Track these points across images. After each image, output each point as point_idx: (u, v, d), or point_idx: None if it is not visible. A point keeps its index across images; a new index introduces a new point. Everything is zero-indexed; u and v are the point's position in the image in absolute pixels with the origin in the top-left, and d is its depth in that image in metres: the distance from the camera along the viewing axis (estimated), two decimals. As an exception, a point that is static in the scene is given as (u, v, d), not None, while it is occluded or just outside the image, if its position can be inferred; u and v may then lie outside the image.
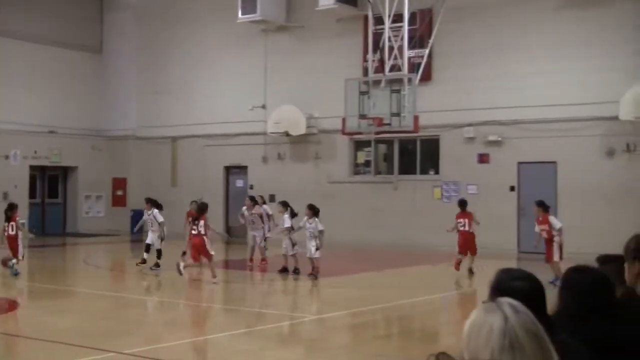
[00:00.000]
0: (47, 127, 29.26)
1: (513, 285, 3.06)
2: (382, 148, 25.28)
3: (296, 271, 16.67)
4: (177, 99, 28.98)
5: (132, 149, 30.48)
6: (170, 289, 15.84)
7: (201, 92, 28.37)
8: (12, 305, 12.96)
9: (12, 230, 16.24)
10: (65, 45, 30.06)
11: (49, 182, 30.43)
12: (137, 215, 29.74)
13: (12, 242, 16.17)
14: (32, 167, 29.00)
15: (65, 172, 30.66)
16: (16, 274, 16.02)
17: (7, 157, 27.93)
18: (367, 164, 25.23)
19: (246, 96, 26.80)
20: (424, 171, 23.97)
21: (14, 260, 16.10)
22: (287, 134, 25.46)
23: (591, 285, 3.55)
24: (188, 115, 28.56)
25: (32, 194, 29.23)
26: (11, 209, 16.66)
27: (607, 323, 3.47)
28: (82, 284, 16.69)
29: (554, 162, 21.33)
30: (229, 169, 28.18)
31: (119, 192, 31.00)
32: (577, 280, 3.61)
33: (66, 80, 30.13)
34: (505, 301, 2.11)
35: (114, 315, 12.23)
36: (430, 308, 13.95)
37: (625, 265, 3.70)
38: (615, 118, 19.83)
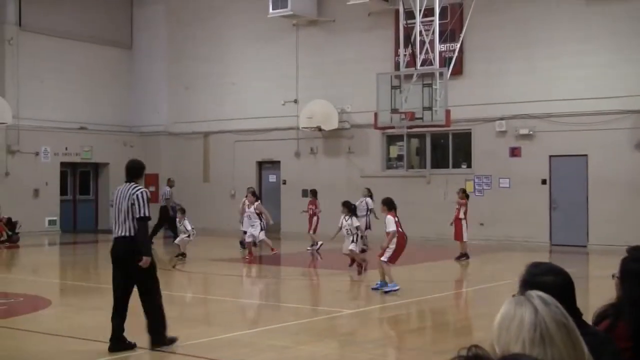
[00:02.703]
0: (77, 123, 30.49)
1: (544, 279, 3.21)
2: (415, 142, 26.45)
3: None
4: (208, 94, 30.23)
5: (164, 144, 31.75)
6: (203, 285, 16.59)
7: (232, 87, 29.58)
8: (44, 303, 13.12)
9: None
10: (95, 40, 31.28)
11: (81, 178, 31.59)
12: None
13: None
14: (63, 164, 30.12)
15: (96, 169, 31.83)
16: None
17: (37, 153, 29.07)
18: (399, 158, 26.37)
19: (278, 91, 28.09)
20: (457, 165, 25.18)
21: None
22: (319, 129, 26.71)
23: None
24: (219, 111, 29.83)
25: (63, 190, 30.36)
26: None
27: None
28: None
29: (585, 155, 22.56)
30: (261, 164, 29.44)
31: (151, 188, 32.08)
32: (636, 269, 3.80)
33: (96, 76, 31.34)
34: (535, 294, 2.20)
35: (141, 313, 12.82)
36: (463, 301, 14.83)
37: None
38: (644, 111, 20.98)
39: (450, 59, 22.57)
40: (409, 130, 23.37)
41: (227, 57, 29.87)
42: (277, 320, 11.89)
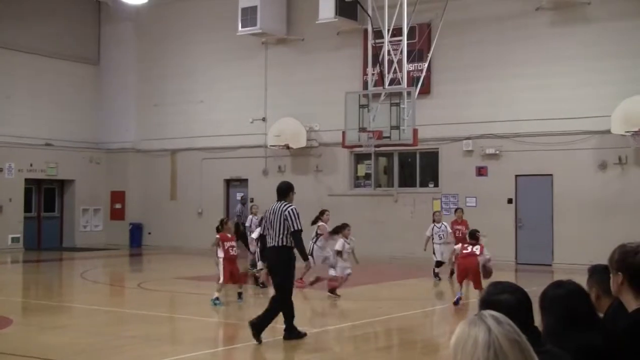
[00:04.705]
0: (43, 139, 30.32)
1: (500, 298, 3.29)
2: (382, 161, 26.76)
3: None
4: (177, 112, 30.38)
5: (131, 161, 31.78)
6: (170, 304, 16.56)
7: (200, 104, 29.81)
8: (5, 322, 12.93)
9: None
10: (62, 56, 31.26)
11: (46, 195, 31.35)
12: (135, 229, 31.08)
13: None
14: (27, 180, 29.91)
15: (62, 185, 31.65)
16: None
17: (1, 170, 28.86)
18: (367, 176, 26.64)
19: (246, 109, 28.30)
20: (424, 184, 25.52)
21: None
22: (287, 147, 26.92)
23: (567, 298, 3.79)
24: (187, 128, 29.98)
25: (27, 207, 30.12)
26: None
27: (586, 334, 3.68)
28: (78, 300, 16.99)
29: (550, 175, 23.07)
30: (229, 182, 29.56)
31: (118, 206, 32.04)
32: (552, 295, 3.85)
33: (63, 92, 31.25)
34: (488, 313, 2.27)
35: (111, 331, 12.46)
36: (430, 320, 15.00)
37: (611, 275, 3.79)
38: (608, 132, 21.65)
39: (418, 78, 22.90)
40: (376, 149, 23.60)
41: (196, 75, 30.02)
42: (242, 339, 11.89)
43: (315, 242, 17.43)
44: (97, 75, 32.78)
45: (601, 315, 4.16)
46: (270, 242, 11.36)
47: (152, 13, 30.78)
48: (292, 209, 11.21)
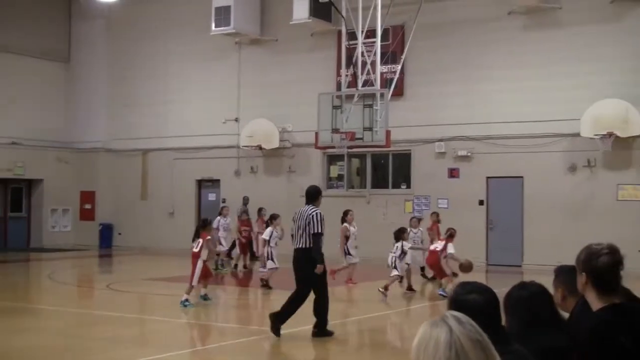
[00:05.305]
0: (10, 138, 29.87)
1: (468, 298, 3.34)
2: (355, 162, 26.87)
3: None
4: (149, 111, 30.29)
5: (101, 161, 31.63)
6: (140, 306, 16.49)
7: (173, 104, 29.74)
8: None
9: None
10: (31, 53, 30.87)
11: (13, 195, 31.05)
12: (105, 230, 30.89)
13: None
14: (-7, 180, 29.63)
15: (29, 185, 31.38)
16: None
17: (-36, 169, 28.50)
18: (340, 177, 26.73)
19: (219, 109, 28.29)
20: (396, 185, 25.68)
21: None
22: (260, 148, 26.95)
23: (530, 300, 3.89)
24: (159, 128, 29.91)
25: (-7, 207, 29.81)
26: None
27: (549, 335, 3.78)
28: (45, 301, 16.86)
29: (521, 177, 23.35)
30: (200, 183, 29.50)
31: (87, 206, 31.84)
32: (516, 296, 3.94)
33: (31, 90, 30.83)
34: (450, 314, 2.30)
35: (79, 333, 12.41)
36: (401, 320, 15.11)
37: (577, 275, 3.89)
38: (577, 135, 21.99)
39: (391, 80, 23.02)
40: (349, 150, 23.65)
41: (168, 74, 29.98)
42: (212, 340, 11.91)
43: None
44: (68, 74, 32.50)
45: (567, 315, 4.23)
46: (296, 244, 11.87)
47: (124, 11, 30.66)
48: (316, 213, 11.76)
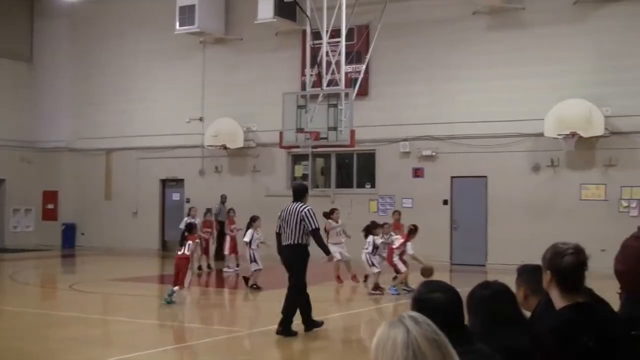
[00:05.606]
0: (-30, 137, 29.55)
1: (432, 297, 3.35)
2: (320, 162, 26.87)
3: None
4: (113, 110, 30.02)
5: (65, 161, 31.32)
6: (104, 306, 16.38)
7: (137, 103, 29.50)
8: None
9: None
10: (-8, 52, 30.51)
11: (-27, 195, 30.63)
12: (68, 230, 30.60)
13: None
14: (-48, 179, 29.23)
15: (-10, 185, 31.04)
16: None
17: None
18: (304, 177, 26.65)
19: (183, 108, 28.12)
20: (361, 185, 25.72)
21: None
22: (224, 147, 26.84)
23: (492, 298, 3.92)
24: (123, 127, 29.66)
25: (-47, 207, 29.39)
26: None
27: (511, 334, 3.78)
28: (7, 302, 16.57)
29: (485, 177, 23.44)
30: (165, 182, 29.32)
31: (50, 206, 31.54)
32: (479, 295, 3.97)
33: (-7, 89, 30.52)
34: (407, 314, 2.34)
35: (41, 334, 12.29)
36: (364, 320, 14.99)
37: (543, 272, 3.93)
38: (541, 135, 22.08)
39: (356, 80, 23.02)
40: (314, 149, 23.66)
41: (133, 73, 29.77)
42: (178, 340, 11.85)
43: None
44: (31, 73, 32.14)
45: (529, 314, 4.26)
46: (285, 241, 12.10)
47: (87, 9, 30.38)
48: (308, 209, 11.97)
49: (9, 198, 30.99)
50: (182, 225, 21.79)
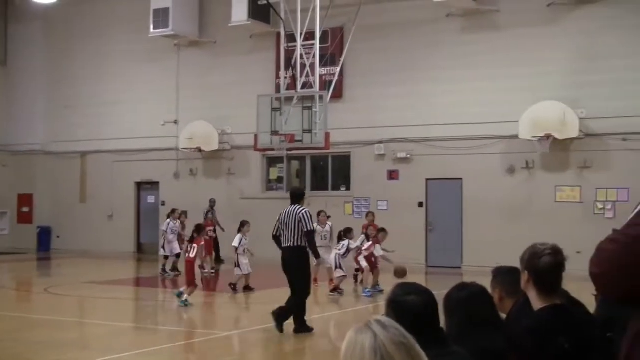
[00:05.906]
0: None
1: (406, 299, 3.35)
2: (295, 164, 26.85)
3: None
4: (87, 114, 29.87)
5: (40, 164, 31.11)
6: (79, 310, 16.35)
7: (112, 106, 29.34)
8: None
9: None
10: (-35, 56, 30.16)
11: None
12: (43, 233, 30.37)
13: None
14: None
15: (-35, 189, 30.72)
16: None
17: None
18: (279, 180, 26.68)
19: (158, 111, 28.02)
20: (336, 187, 25.73)
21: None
22: (199, 150, 26.76)
23: (469, 300, 3.94)
24: (98, 130, 29.49)
25: None
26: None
27: (488, 336, 3.80)
28: None
29: (460, 179, 23.47)
30: (140, 185, 29.16)
31: (25, 209, 31.41)
32: (455, 297, 3.98)
33: (-34, 93, 30.13)
34: (374, 320, 2.34)
35: (16, 338, 12.18)
36: (344, 321, 14.92)
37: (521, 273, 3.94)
38: (516, 137, 22.14)
39: (331, 82, 23.02)
40: (289, 152, 23.66)
41: (107, 76, 29.62)
42: (153, 343, 11.78)
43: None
44: (5, 76, 31.95)
45: (504, 315, 4.26)
46: (285, 243, 12.38)
47: (62, 12, 30.19)
48: (305, 212, 12.37)
49: (-17, 202, 30.76)
50: (164, 227, 21.80)
